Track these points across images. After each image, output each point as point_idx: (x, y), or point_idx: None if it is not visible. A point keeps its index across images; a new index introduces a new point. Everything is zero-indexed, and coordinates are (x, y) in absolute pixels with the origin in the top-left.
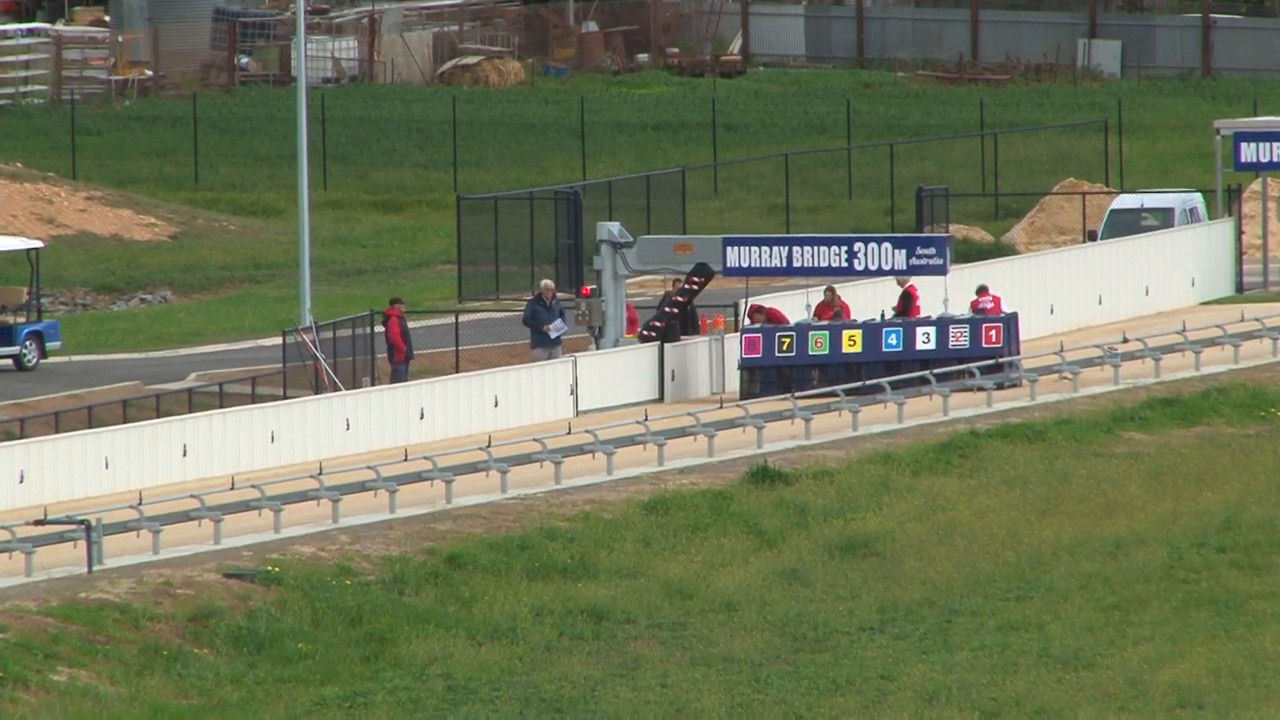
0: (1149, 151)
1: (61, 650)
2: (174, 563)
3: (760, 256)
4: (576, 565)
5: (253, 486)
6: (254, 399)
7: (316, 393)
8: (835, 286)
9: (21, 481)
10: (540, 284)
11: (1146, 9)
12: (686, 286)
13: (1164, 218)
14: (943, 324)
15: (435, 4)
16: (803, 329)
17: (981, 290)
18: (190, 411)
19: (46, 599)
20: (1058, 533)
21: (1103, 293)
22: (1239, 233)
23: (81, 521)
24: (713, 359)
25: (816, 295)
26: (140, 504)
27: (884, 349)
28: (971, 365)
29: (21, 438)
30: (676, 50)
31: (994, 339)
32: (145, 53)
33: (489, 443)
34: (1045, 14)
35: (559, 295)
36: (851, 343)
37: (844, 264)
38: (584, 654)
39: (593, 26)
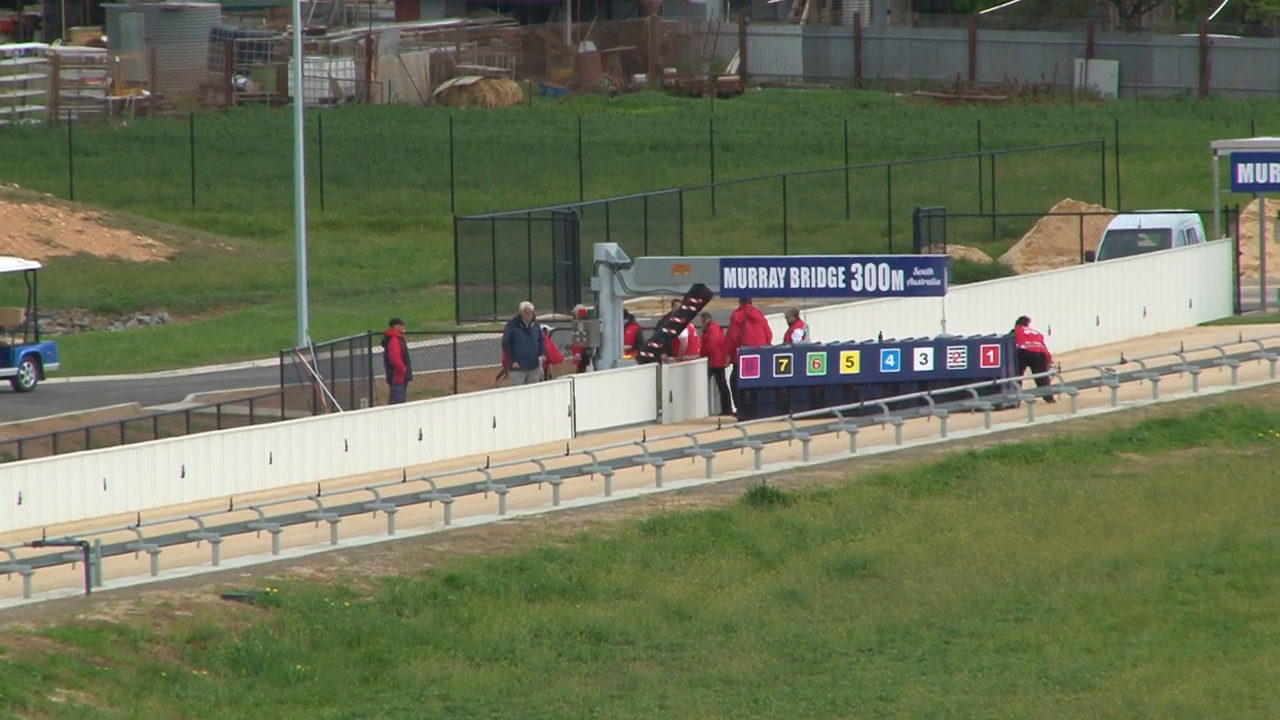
0: (1146, 172)
1: (60, 672)
2: (172, 584)
3: (758, 277)
4: (575, 586)
5: (251, 508)
6: (252, 420)
7: (315, 414)
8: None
9: (20, 503)
10: (520, 306)
11: (1144, 29)
12: (684, 307)
13: (1161, 238)
14: (940, 345)
15: (432, 25)
16: (800, 350)
17: (1023, 322)
18: (188, 432)
19: (45, 620)
20: (1056, 554)
21: (1100, 314)
22: (1236, 253)
23: (80, 543)
24: (711, 380)
25: (815, 316)
26: (138, 525)
27: (882, 370)
28: (970, 386)
29: (20, 459)
30: (674, 70)
31: (992, 360)
32: (142, 73)
33: (487, 464)
34: (1043, 34)
35: (555, 316)
36: (849, 364)
37: (842, 285)
38: (582, 675)
39: (590, 47)
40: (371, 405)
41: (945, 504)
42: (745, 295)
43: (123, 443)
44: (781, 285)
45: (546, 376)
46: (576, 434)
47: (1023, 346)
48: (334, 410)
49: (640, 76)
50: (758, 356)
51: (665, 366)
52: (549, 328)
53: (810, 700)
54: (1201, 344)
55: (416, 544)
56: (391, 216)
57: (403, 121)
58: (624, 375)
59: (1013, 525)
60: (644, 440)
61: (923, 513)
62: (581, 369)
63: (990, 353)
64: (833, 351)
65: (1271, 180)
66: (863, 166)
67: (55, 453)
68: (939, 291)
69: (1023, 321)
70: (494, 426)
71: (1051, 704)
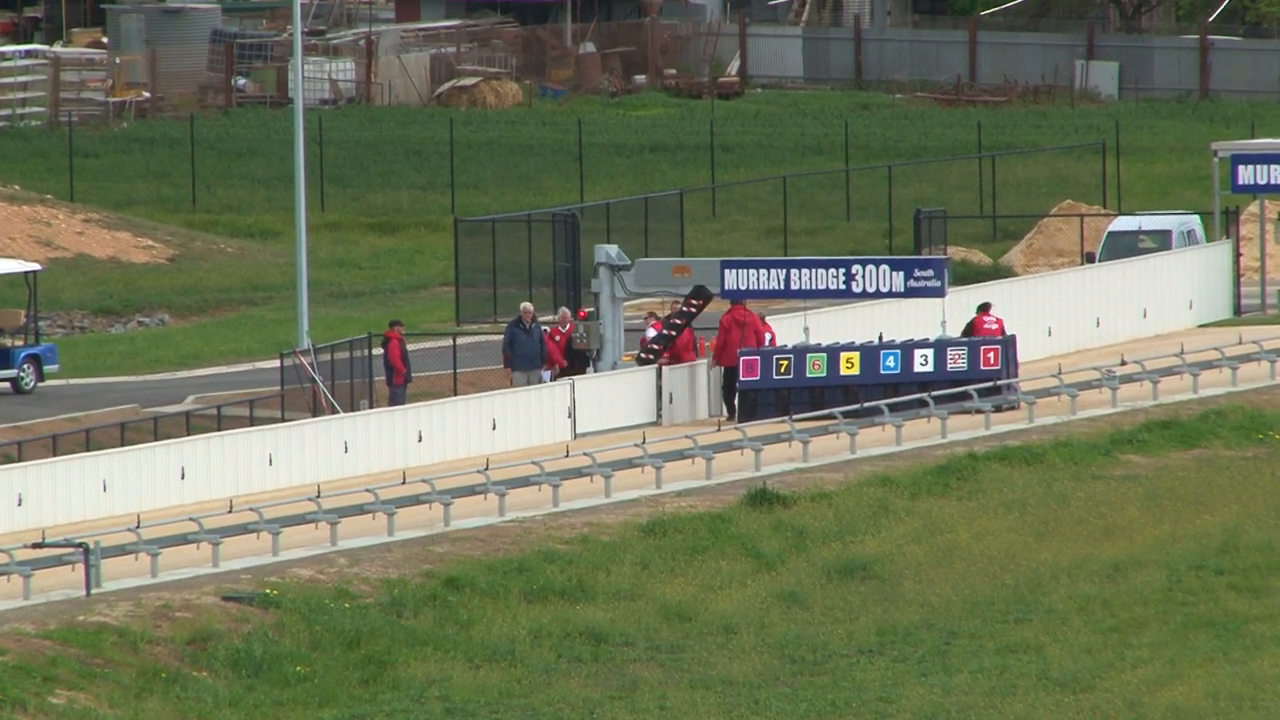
0: (1147, 173)
1: (60, 673)
2: (172, 585)
3: (758, 279)
4: (575, 587)
5: (251, 509)
6: (252, 422)
7: (314, 415)
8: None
9: (20, 504)
10: (520, 307)
11: (1144, 31)
12: (685, 309)
13: (1162, 240)
14: (941, 346)
15: (432, 26)
16: (800, 351)
17: (984, 309)
18: (188, 434)
19: (45, 622)
20: (1056, 555)
21: (1101, 315)
22: (1237, 255)
23: (80, 544)
24: (711, 382)
25: (816, 318)
26: (138, 527)
27: (882, 371)
28: (970, 388)
29: (19, 460)
30: (674, 72)
31: (992, 361)
32: (143, 74)
33: (487, 465)
34: (1043, 36)
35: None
36: (850, 365)
37: (842, 286)
38: (582, 676)
39: (590, 48)
40: (371, 407)
41: (945, 505)
42: (739, 297)
43: (123, 444)
44: (782, 287)
45: (553, 378)
46: (576, 436)
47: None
48: (334, 412)
49: (640, 78)
50: (758, 358)
51: (666, 369)
52: (549, 329)
53: (810, 701)
54: (1202, 345)
55: (416, 545)
56: (391, 218)
57: (403, 123)
58: (624, 377)
59: (1013, 527)
60: (644, 442)
61: (923, 514)
62: (567, 363)
63: (990, 354)
64: (833, 353)
65: (1272, 182)
66: (863, 168)
67: (55, 454)
68: (939, 293)
69: (983, 309)
70: (494, 428)
71: (1052, 705)
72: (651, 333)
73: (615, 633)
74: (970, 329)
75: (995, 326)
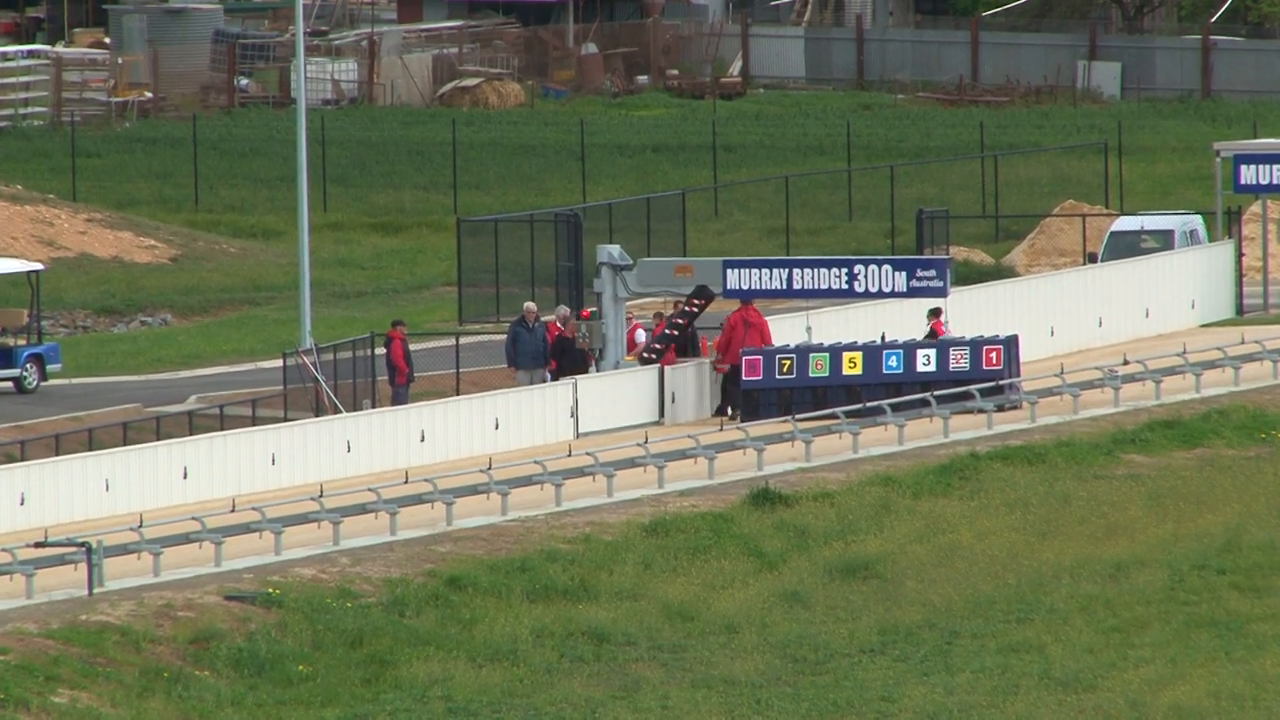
0: (1149, 173)
1: (62, 672)
2: (175, 585)
3: (760, 279)
4: (577, 587)
5: (253, 509)
6: (254, 421)
7: (317, 415)
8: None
9: (22, 504)
10: (524, 306)
11: (1146, 31)
12: (687, 309)
13: (1164, 240)
14: (943, 346)
15: (435, 26)
16: (803, 351)
17: (937, 313)
18: (191, 434)
19: (47, 621)
20: (1058, 555)
21: (1103, 315)
22: (1239, 255)
23: (82, 544)
24: (714, 381)
25: (818, 317)
26: (141, 526)
27: (884, 371)
28: (972, 387)
29: (22, 460)
30: (676, 72)
31: (994, 361)
32: (145, 74)
33: (489, 465)
34: (1045, 36)
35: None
36: (852, 365)
37: (844, 286)
38: (585, 676)
39: (592, 49)
40: (374, 406)
41: (947, 505)
42: (741, 297)
43: (125, 444)
44: (784, 287)
45: (554, 377)
46: (579, 435)
47: None
48: (336, 411)
49: (642, 78)
50: (760, 358)
51: (669, 368)
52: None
53: (812, 701)
54: (1204, 345)
55: (419, 545)
56: (394, 218)
57: (405, 123)
58: (627, 376)
59: (1015, 526)
60: (646, 441)
61: (925, 514)
62: (559, 360)
63: (993, 354)
64: (835, 353)
65: (1274, 182)
66: (865, 168)
67: (58, 454)
68: (941, 293)
69: (934, 314)
70: (496, 428)
71: (1054, 705)
72: (642, 335)
73: (617, 632)
74: (933, 336)
75: (948, 327)
